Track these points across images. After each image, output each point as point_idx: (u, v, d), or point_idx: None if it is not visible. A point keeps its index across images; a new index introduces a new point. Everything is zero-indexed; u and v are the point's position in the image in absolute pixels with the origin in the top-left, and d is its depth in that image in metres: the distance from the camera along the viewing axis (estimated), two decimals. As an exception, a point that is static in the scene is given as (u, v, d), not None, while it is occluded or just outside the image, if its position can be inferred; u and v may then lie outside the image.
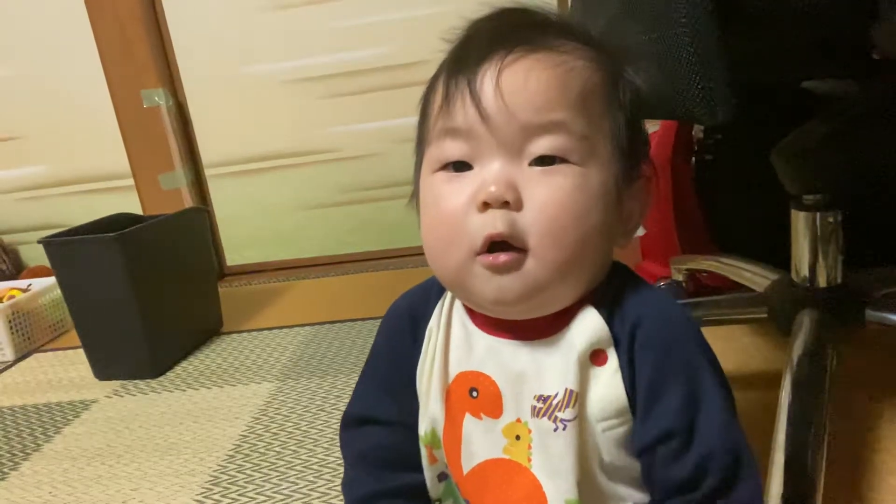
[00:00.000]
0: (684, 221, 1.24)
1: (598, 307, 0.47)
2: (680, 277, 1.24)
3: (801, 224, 0.85)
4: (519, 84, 0.43)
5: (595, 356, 0.47)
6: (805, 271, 0.86)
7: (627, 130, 0.46)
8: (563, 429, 0.46)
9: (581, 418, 0.46)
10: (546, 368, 0.47)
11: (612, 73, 0.47)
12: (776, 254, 0.91)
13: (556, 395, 0.47)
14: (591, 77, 0.45)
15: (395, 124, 1.78)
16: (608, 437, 0.47)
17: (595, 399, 0.46)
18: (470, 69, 0.44)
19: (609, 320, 0.47)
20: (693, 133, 1.26)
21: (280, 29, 1.76)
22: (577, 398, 0.46)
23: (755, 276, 0.99)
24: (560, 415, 0.46)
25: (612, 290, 0.48)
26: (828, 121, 0.81)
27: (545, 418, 0.47)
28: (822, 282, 0.85)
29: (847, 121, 0.80)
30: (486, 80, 0.44)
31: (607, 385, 0.46)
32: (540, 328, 0.48)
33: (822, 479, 0.64)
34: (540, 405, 0.47)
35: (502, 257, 0.44)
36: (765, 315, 0.93)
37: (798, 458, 0.65)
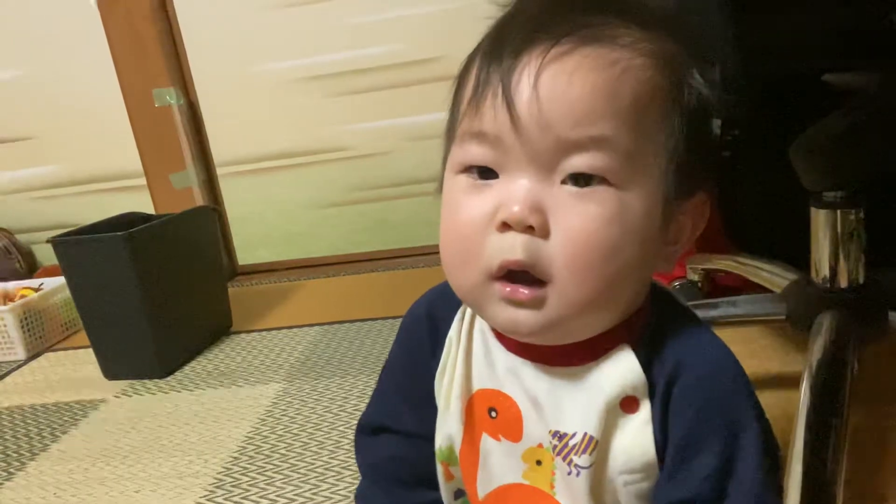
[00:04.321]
0: (700, 220, 1.21)
1: (636, 348, 0.42)
2: (696, 277, 1.21)
3: (820, 222, 0.82)
4: (560, 88, 0.37)
5: (626, 403, 0.42)
6: (825, 271, 0.83)
7: (687, 142, 0.39)
8: (577, 475, 0.43)
9: (598, 467, 0.43)
10: (566, 403, 0.43)
11: (678, 73, 0.40)
12: (795, 253, 0.88)
13: (573, 435, 0.43)
14: (650, 80, 0.38)
15: (407, 122, 1.75)
16: (629, 490, 0.43)
17: (620, 450, 0.42)
18: (505, 62, 0.38)
19: (647, 364, 0.42)
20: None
21: (291, 27, 1.75)
22: (596, 446, 0.42)
23: (773, 276, 0.96)
24: (576, 459, 0.43)
25: (652, 327, 0.43)
26: (848, 114, 0.78)
27: (559, 457, 0.44)
28: (842, 282, 0.82)
29: (869, 114, 0.77)
30: (523, 80, 0.38)
31: (636, 436, 0.42)
32: (566, 355, 0.43)
33: (841, 488, 0.61)
34: (556, 442, 0.44)
35: (522, 293, 0.39)
36: (783, 316, 0.90)
37: (817, 467, 0.62)
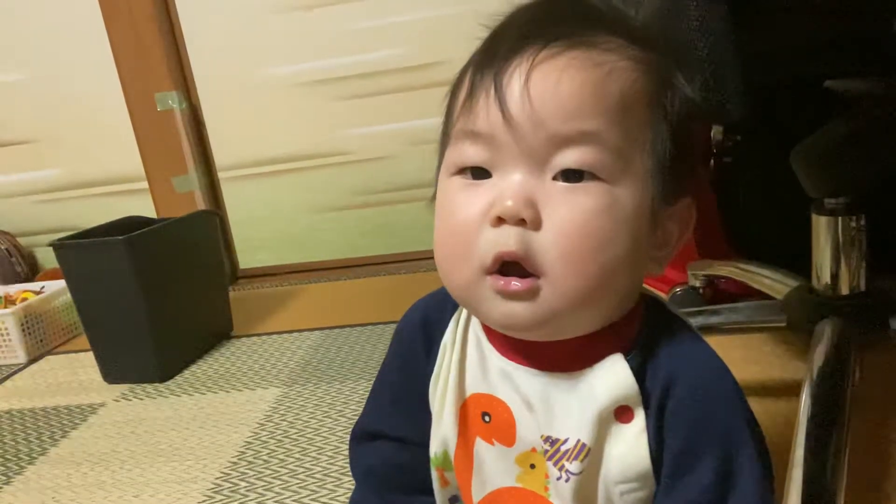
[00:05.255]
0: (702, 226, 1.20)
1: (628, 356, 0.42)
2: (697, 283, 1.21)
3: (822, 229, 0.82)
4: (550, 86, 0.38)
5: (620, 412, 0.42)
6: (826, 278, 0.83)
7: (672, 144, 0.41)
8: (567, 480, 0.43)
9: (589, 474, 0.43)
10: (558, 409, 0.43)
11: (662, 76, 0.41)
12: (797, 260, 0.88)
13: (565, 440, 0.43)
14: (636, 81, 0.40)
15: (408, 126, 1.76)
16: (626, 500, 0.43)
17: (615, 459, 0.42)
18: (498, 64, 0.40)
19: (640, 373, 0.42)
20: (711, 135, 1.22)
21: (293, 31, 1.75)
22: (588, 453, 0.42)
23: (775, 283, 0.96)
24: (567, 465, 0.43)
25: (644, 335, 0.43)
26: (850, 121, 0.78)
27: (550, 462, 0.44)
28: (844, 289, 0.82)
29: (870, 121, 0.77)
30: (514, 79, 0.39)
31: (630, 446, 0.42)
32: (559, 360, 0.43)
33: (842, 496, 0.61)
34: (547, 447, 0.44)
35: (515, 285, 0.39)
36: (784, 323, 0.90)
37: (817, 474, 0.62)
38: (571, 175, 0.39)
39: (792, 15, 0.56)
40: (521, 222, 0.39)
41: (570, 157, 0.39)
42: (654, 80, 0.41)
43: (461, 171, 0.42)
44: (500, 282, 0.40)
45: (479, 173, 0.41)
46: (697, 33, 0.49)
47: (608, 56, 0.40)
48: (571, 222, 0.39)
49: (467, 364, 0.48)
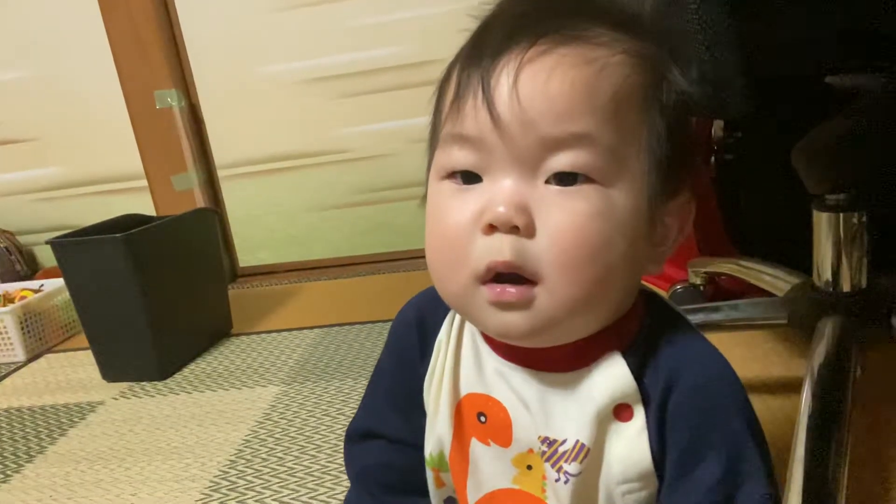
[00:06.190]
0: (703, 223, 1.20)
1: (626, 355, 0.42)
2: (698, 281, 1.20)
3: (823, 225, 0.81)
4: (539, 86, 0.37)
5: (619, 410, 0.41)
6: (828, 275, 0.82)
7: (668, 140, 0.39)
8: (566, 482, 0.42)
9: (588, 475, 0.42)
10: (556, 410, 0.43)
11: (656, 70, 0.40)
12: (798, 257, 0.88)
13: (563, 441, 0.42)
14: (629, 77, 0.38)
15: (408, 124, 1.75)
16: (629, 500, 0.42)
17: (616, 459, 0.42)
18: (485, 64, 0.38)
19: (639, 371, 0.41)
20: (712, 131, 1.22)
21: (293, 29, 1.75)
22: (587, 454, 0.42)
23: (776, 280, 0.95)
24: (566, 466, 0.42)
25: (644, 333, 0.43)
26: (852, 117, 0.77)
27: (548, 463, 0.43)
28: (845, 286, 0.81)
29: (871, 117, 0.76)
30: (502, 79, 0.37)
31: (631, 445, 0.41)
32: (555, 360, 0.43)
33: (843, 494, 0.60)
34: (545, 448, 0.43)
35: (509, 293, 0.38)
36: (785, 321, 0.89)
37: (818, 473, 0.61)
38: (565, 178, 0.38)
39: (793, 9, 0.55)
40: (514, 229, 0.38)
41: (563, 160, 0.37)
42: (649, 74, 0.39)
43: (451, 174, 0.41)
44: (497, 289, 0.39)
45: (470, 177, 0.40)
46: (697, 26, 0.49)
47: (600, 51, 0.38)
48: (566, 228, 0.37)
49: (462, 363, 0.47)
